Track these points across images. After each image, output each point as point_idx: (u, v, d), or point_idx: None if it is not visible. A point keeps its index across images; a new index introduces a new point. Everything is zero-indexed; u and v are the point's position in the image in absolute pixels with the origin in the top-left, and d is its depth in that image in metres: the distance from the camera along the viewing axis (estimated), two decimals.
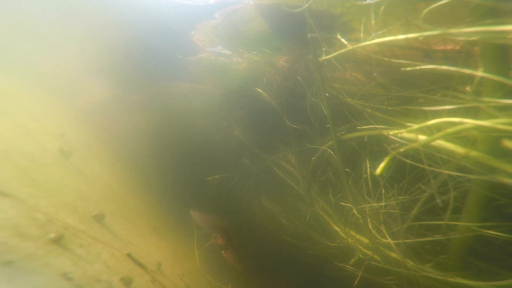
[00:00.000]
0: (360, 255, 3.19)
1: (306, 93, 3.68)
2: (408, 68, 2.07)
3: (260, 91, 4.38)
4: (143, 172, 4.99)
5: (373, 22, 2.39)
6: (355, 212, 3.03)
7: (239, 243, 4.35)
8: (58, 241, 1.53)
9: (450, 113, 1.99)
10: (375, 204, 2.93)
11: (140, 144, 5.50)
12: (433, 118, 1.98)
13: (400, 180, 2.79)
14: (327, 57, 2.80)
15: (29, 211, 1.58)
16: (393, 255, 2.80)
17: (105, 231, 2.18)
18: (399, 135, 2.25)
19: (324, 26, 3.07)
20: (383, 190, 2.90)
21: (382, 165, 1.93)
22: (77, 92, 5.28)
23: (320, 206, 3.88)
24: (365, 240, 3.15)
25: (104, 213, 2.25)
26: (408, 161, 2.23)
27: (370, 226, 2.98)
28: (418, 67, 2.02)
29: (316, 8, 3.39)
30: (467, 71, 1.86)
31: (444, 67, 1.89)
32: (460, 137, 2.11)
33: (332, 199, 3.66)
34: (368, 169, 2.98)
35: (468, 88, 2.21)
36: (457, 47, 2.55)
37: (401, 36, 2.02)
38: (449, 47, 2.58)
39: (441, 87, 2.47)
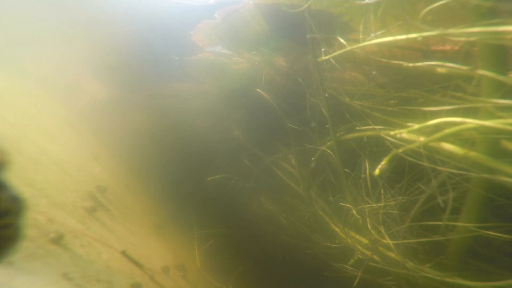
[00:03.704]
0: (360, 256, 3.19)
1: (305, 93, 3.68)
2: (410, 64, 2.07)
3: (260, 91, 4.38)
4: (143, 172, 5.00)
5: (372, 22, 2.39)
6: (354, 212, 3.03)
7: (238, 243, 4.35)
8: (58, 241, 1.53)
9: (449, 113, 1.99)
10: (374, 205, 2.93)
11: (140, 144, 5.50)
12: (432, 118, 1.98)
13: (399, 180, 2.79)
14: (327, 57, 2.80)
15: (29, 211, 1.58)
16: (392, 255, 2.80)
17: (105, 231, 2.19)
18: (398, 135, 2.26)
19: (324, 26, 3.07)
20: (382, 191, 2.90)
21: (380, 165, 1.94)
22: (77, 92, 5.28)
23: (320, 207, 3.88)
24: (364, 241, 3.15)
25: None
26: (410, 158, 2.24)
27: (369, 227, 2.99)
28: (418, 64, 2.03)
29: (316, 8, 3.39)
30: (464, 67, 1.86)
31: (448, 64, 1.89)
32: (459, 139, 2.12)
33: (331, 200, 3.66)
34: (368, 170, 2.98)
35: (467, 89, 2.22)
36: (456, 48, 2.55)
37: (400, 37, 2.03)
38: (448, 47, 2.59)
39: (440, 87, 2.47)
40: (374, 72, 2.97)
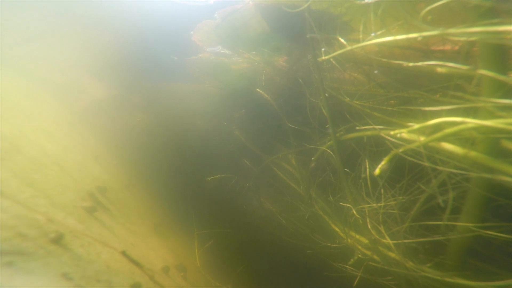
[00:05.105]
0: (360, 256, 3.19)
1: (305, 93, 3.69)
2: (410, 64, 2.07)
3: (260, 91, 4.38)
4: (143, 173, 5.00)
5: (372, 22, 2.40)
6: (355, 212, 3.03)
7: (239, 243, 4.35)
8: (58, 241, 1.53)
9: (449, 113, 1.99)
10: (374, 205, 2.93)
11: (140, 144, 5.50)
12: (432, 118, 1.98)
13: (399, 180, 2.79)
14: (327, 57, 2.80)
15: (29, 211, 1.58)
16: (392, 255, 2.80)
17: (105, 231, 2.19)
18: (399, 135, 2.26)
19: (324, 26, 3.08)
20: (382, 191, 2.90)
21: (381, 164, 1.94)
22: (77, 92, 5.28)
23: (320, 207, 3.89)
24: (364, 241, 3.15)
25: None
26: (410, 158, 2.24)
27: (369, 227, 2.99)
28: (418, 64, 2.03)
29: (316, 8, 3.40)
30: (465, 67, 1.86)
31: (448, 64, 1.89)
32: (459, 138, 2.12)
33: (331, 200, 3.66)
34: (368, 170, 2.99)
35: (467, 89, 2.22)
36: (456, 48, 2.55)
37: (400, 37, 2.03)
38: (448, 47, 2.59)
39: (440, 87, 2.47)
40: (376, 71, 2.97)
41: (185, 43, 5.13)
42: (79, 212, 2.06)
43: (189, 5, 4.90)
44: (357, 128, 2.89)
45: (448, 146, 2.10)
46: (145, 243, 2.73)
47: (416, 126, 2.00)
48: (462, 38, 1.81)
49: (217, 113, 5.67)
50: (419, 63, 2.04)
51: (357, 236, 3.26)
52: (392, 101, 2.98)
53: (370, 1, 2.37)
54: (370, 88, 3.19)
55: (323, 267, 3.74)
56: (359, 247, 3.21)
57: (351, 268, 3.22)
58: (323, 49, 3.00)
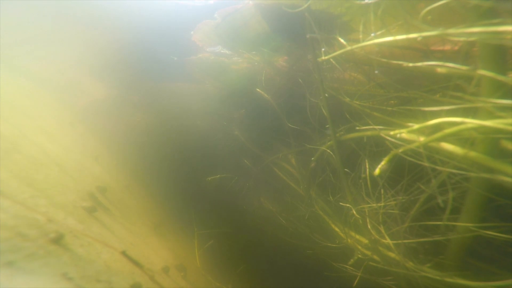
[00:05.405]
0: (360, 256, 3.19)
1: (305, 93, 3.69)
2: (410, 64, 2.07)
3: (260, 91, 4.38)
4: (143, 173, 5.00)
5: (372, 22, 2.40)
6: (354, 212, 3.03)
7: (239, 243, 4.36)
8: (58, 241, 1.53)
9: (449, 113, 2.00)
10: (374, 205, 2.93)
11: (140, 144, 5.51)
12: (432, 118, 1.98)
13: (399, 180, 2.79)
14: (327, 57, 2.80)
15: (29, 211, 1.58)
16: (392, 255, 2.80)
17: (105, 231, 2.19)
18: (399, 135, 2.26)
19: (324, 26, 3.08)
20: (382, 191, 2.90)
21: (381, 165, 1.94)
22: (77, 92, 5.29)
23: (320, 207, 3.89)
24: (364, 241, 3.15)
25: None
26: (409, 158, 2.24)
27: (369, 227, 2.99)
28: (418, 64, 2.03)
29: (316, 8, 3.40)
30: (464, 67, 1.86)
31: (448, 64, 1.90)
32: (459, 138, 2.12)
33: (331, 200, 3.66)
34: (368, 170, 2.99)
35: (467, 89, 2.22)
36: (456, 48, 2.55)
37: (400, 37, 2.03)
38: (448, 47, 2.59)
39: (440, 87, 2.47)
40: (376, 71, 2.97)
41: (185, 43, 5.14)
42: (79, 212, 2.06)
43: (189, 5, 4.90)
44: (357, 128, 2.89)
45: (448, 146, 2.10)
46: (145, 243, 2.73)
47: (416, 126, 2.00)
48: (462, 38, 1.81)
49: (217, 113, 5.67)
50: (419, 63, 2.04)
51: (357, 236, 3.26)
52: (392, 101, 2.99)
53: (370, 1, 2.37)
54: (370, 88, 3.19)
55: (323, 267, 3.74)
56: (359, 247, 3.21)
57: (351, 268, 3.22)
58: (323, 49, 3.00)
